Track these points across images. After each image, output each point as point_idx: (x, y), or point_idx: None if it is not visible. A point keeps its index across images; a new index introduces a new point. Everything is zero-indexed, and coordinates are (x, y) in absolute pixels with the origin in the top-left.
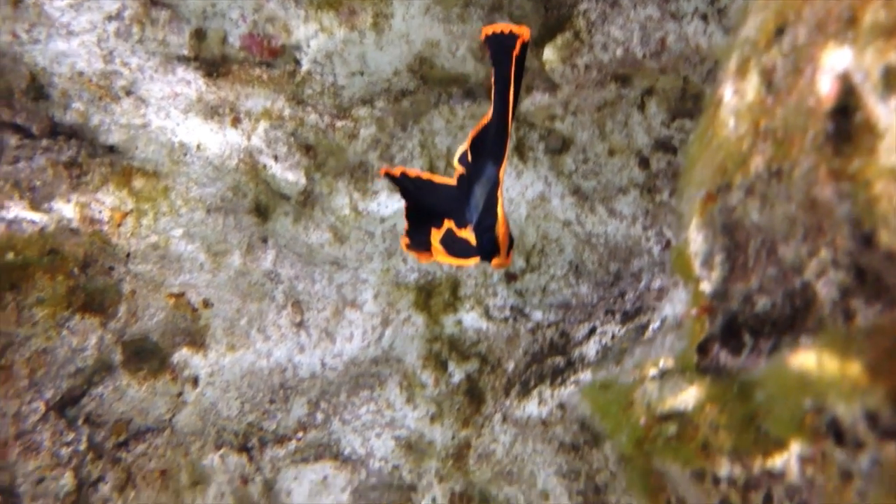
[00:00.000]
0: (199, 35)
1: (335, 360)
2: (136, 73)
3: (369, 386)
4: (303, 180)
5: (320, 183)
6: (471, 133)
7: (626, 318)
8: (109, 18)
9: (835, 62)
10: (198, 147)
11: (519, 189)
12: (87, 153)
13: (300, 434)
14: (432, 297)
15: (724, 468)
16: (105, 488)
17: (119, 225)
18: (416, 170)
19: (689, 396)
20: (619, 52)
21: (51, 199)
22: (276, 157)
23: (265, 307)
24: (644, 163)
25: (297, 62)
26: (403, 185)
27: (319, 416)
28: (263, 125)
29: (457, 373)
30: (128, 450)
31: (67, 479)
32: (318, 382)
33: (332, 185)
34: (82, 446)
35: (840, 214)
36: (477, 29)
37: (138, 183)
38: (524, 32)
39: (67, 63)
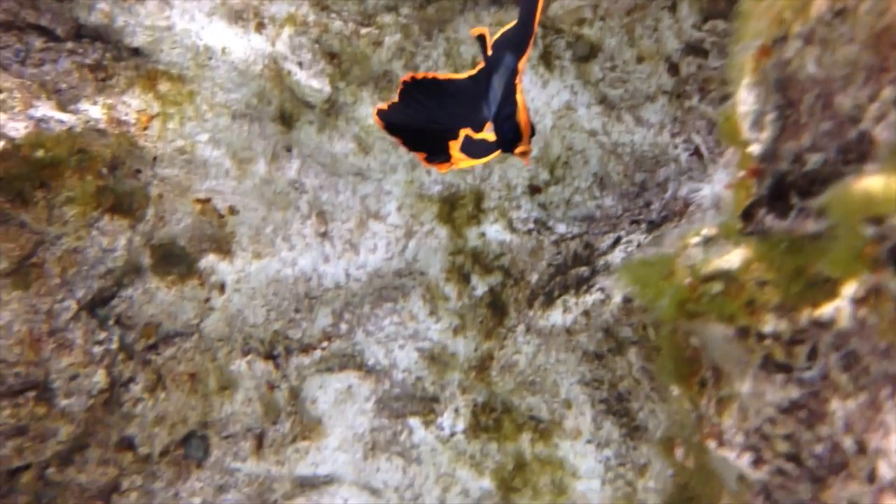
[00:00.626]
0: None
1: (359, 272)
2: None
3: (392, 298)
4: (327, 88)
5: (345, 92)
6: (500, 31)
7: (653, 226)
8: None
9: None
10: (223, 51)
11: (544, 99)
12: (112, 56)
13: (325, 343)
14: (456, 209)
15: (769, 324)
16: (136, 388)
17: (145, 128)
18: (421, 73)
19: (734, 257)
20: None
21: (77, 101)
22: (300, 64)
23: (290, 216)
24: (673, 68)
25: None
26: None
27: (344, 327)
28: (288, 31)
29: (480, 285)
30: (157, 352)
31: (100, 377)
32: (342, 293)
33: (357, 94)
34: (114, 346)
35: None
36: None
37: (163, 86)
38: None
39: None
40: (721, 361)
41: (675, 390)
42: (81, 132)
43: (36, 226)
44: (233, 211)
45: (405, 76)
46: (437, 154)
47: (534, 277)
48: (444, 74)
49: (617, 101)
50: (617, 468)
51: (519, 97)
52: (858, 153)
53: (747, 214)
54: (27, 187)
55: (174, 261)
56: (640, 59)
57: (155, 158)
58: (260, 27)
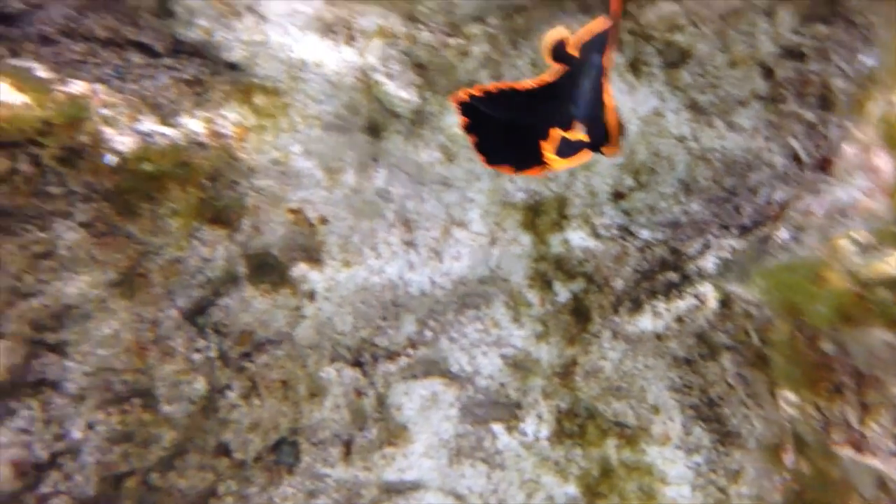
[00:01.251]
0: None
1: (443, 279)
2: None
3: (476, 305)
4: (415, 99)
5: (431, 101)
6: (582, 31)
7: (745, 231)
8: None
9: None
10: (315, 64)
11: (631, 105)
12: (209, 70)
13: (410, 350)
14: (539, 216)
15: None
16: (232, 395)
17: (242, 140)
18: (492, 83)
19: None
20: None
21: (177, 115)
22: (389, 75)
23: (377, 225)
24: (768, 73)
25: None
26: (478, 112)
27: (428, 334)
28: (377, 43)
29: (562, 291)
30: (251, 360)
31: (201, 384)
32: (427, 300)
33: (443, 103)
34: (213, 353)
35: None
36: None
37: (259, 99)
38: None
39: None
40: (869, 367)
41: (792, 396)
42: (184, 145)
43: (142, 237)
44: (323, 220)
45: (474, 89)
46: (527, 159)
47: (619, 283)
48: (517, 83)
49: (707, 107)
50: (708, 474)
51: (607, 98)
52: None
53: None
54: (134, 199)
55: (267, 270)
56: (732, 64)
57: (251, 170)
58: (350, 39)
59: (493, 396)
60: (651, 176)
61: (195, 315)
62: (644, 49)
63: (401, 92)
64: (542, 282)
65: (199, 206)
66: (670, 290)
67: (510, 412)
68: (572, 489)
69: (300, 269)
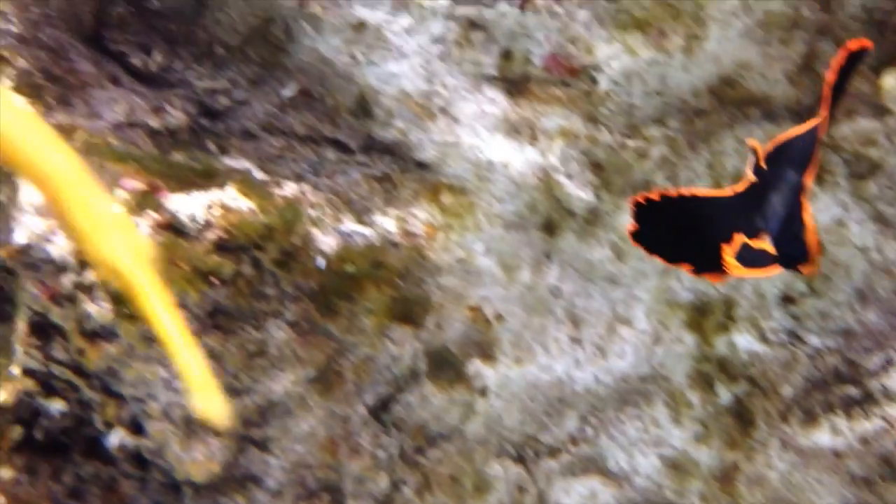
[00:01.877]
0: (506, 55)
1: (607, 376)
2: (451, 92)
3: (636, 403)
4: (591, 198)
5: (606, 201)
6: (772, 141)
7: None
8: (435, 41)
9: None
10: (503, 165)
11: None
12: (398, 168)
13: (571, 447)
14: (705, 316)
15: None
16: (407, 491)
17: (431, 239)
18: (673, 189)
19: None
20: None
21: (370, 213)
22: (569, 175)
23: (547, 321)
24: None
25: (595, 81)
26: (651, 214)
27: (589, 431)
28: (559, 143)
29: (725, 394)
30: (425, 455)
31: (384, 481)
32: (590, 397)
33: (617, 203)
34: (395, 450)
35: None
36: (798, 52)
37: (446, 199)
38: (863, 44)
39: (396, 83)
40: None
41: None
42: (379, 245)
43: (339, 335)
44: (499, 317)
45: (651, 193)
46: (706, 261)
47: (787, 391)
48: (699, 190)
49: (895, 220)
50: None
51: (807, 217)
52: None
53: None
54: (335, 299)
55: (445, 366)
56: None
57: (437, 268)
58: (533, 140)
59: (651, 497)
60: (825, 283)
61: (380, 411)
62: (830, 158)
63: (579, 191)
64: (705, 383)
65: (391, 305)
66: (852, 408)
67: None
68: None
69: (475, 366)
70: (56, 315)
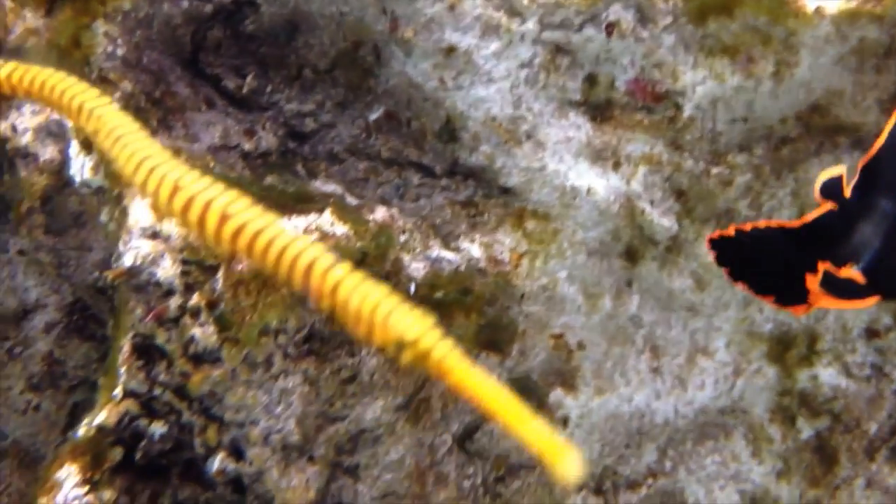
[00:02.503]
0: (591, 80)
1: (686, 408)
2: (537, 117)
3: (715, 436)
4: (675, 226)
5: (687, 229)
6: (860, 162)
7: None
8: (522, 66)
9: None
10: (588, 191)
11: None
12: (482, 193)
13: (650, 481)
14: (787, 349)
15: None
16: None
17: (517, 266)
18: (748, 223)
19: None
20: None
21: (456, 239)
22: (652, 202)
23: (627, 351)
24: None
25: (679, 107)
26: (732, 250)
27: (668, 464)
28: (642, 170)
29: (806, 429)
30: (505, 485)
31: None
32: (668, 429)
33: (699, 231)
34: (479, 480)
35: None
36: (892, 80)
37: (530, 225)
38: None
39: (484, 108)
40: None
41: None
42: (466, 272)
43: None
44: (581, 346)
45: (729, 230)
46: (789, 292)
47: (872, 427)
48: (776, 221)
49: None
50: None
51: None
52: None
53: None
54: None
55: (528, 395)
56: None
57: (522, 296)
58: (617, 166)
59: None
60: None
61: (464, 440)
62: None
63: (663, 220)
64: (786, 417)
65: (477, 333)
66: None
67: None
68: None
69: (557, 395)
70: (161, 337)
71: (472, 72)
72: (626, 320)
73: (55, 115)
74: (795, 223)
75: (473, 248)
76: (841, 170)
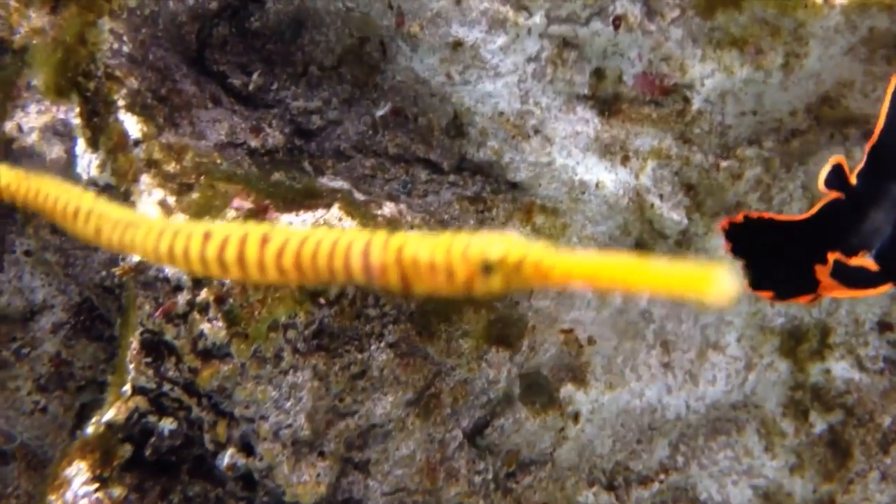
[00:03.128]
0: (599, 74)
1: (698, 403)
2: (545, 112)
3: (727, 431)
4: (685, 220)
5: (697, 223)
6: (862, 161)
7: None
8: (529, 60)
9: None
10: (597, 185)
11: None
12: (490, 189)
13: (662, 476)
14: (800, 343)
15: None
16: None
17: None
18: (759, 212)
19: None
20: None
21: None
22: (661, 196)
23: (637, 346)
24: None
25: (688, 101)
26: (744, 236)
27: (680, 459)
28: (651, 164)
29: (819, 423)
30: (516, 480)
31: None
32: (680, 424)
33: (709, 224)
34: (489, 475)
35: None
36: None
37: (539, 219)
38: None
39: (491, 103)
40: None
41: None
42: None
43: (437, 357)
44: (591, 341)
45: (738, 217)
46: (792, 287)
47: (886, 421)
48: (786, 216)
49: None
50: None
51: None
52: None
53: None
54: (433, 321)
55: (538, 390)
56: None
57: (532, 290)
58: (625, 160)
59: None
60: None
61: (475, 436)
62: None
63: (672, 213)
64: (798, 411)
65: (487, 328)
66: None
67: None
68: None
69: (567, 390)
70: (169, 333)
71: (479, 66)
72: (637, 315)
73: (61, 115)
74: (802, 216)
75: None
76: (840, 159)
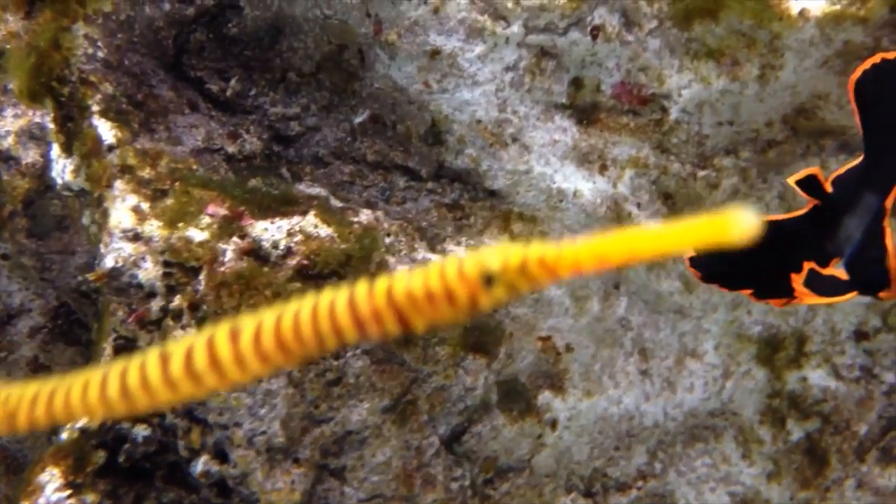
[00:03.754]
0: (577, 83)
1: (675, 411)
2: (522, 120)
3: (705, 438)
4: None
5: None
6: (842, 168)
7: None
8: (507, 69)
9: None
10: (574, 194)
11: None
12: (468, 196)
13: (640, 483)
14: (776, 351)
15: None
16: None
17: None
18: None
19: None
20: None
21: (442, 241)
22: (639, 205)
23: (615, 353)
24: None
25: (665, 111)
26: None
27: (658, 466)
28: (629, 173)
29: (796, 431)
30: (494, 487)
31: None
32: (658, 431)
33: None
34: (467, 482)
35: None
36: None
37: (517, 227)
38: None
39: (469, 111)
40: None
41: None
42: None
43: (414, 364)
44: (569, 348)
45: None
46: (771, 288)
47: (862, 429)
48: (770, 216)
49: None
50: None
51: (888, 241)
52: None
53: None
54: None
55: (515, 397)
56: None
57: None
58: (603, 169)
59: None
60: None
61: (452, 443)
62: None
63: (649, 222)
64: (776, 419)
65: (464, 335)
66: None
67: None
68: None
69: (545, 397)
70: (143, 340)
71: (456, 75)
72: (615, 323)
73: (37, 119)
74: (780, 217)
75: (459, 251)
76: (815, 170)
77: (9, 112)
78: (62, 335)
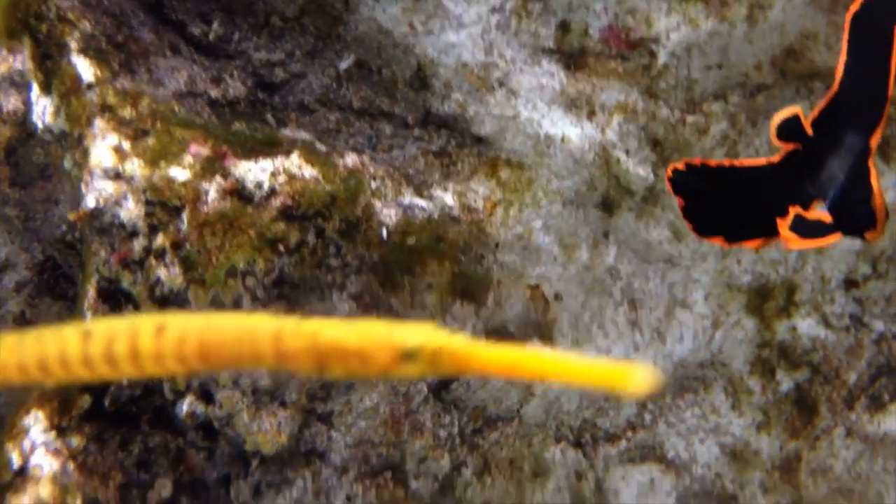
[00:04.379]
0: (564, 27)
1: (665, 361)
2: (509, 64)
3: (695, 389)
4: (651, 175)
5: (664, 179)
6: (819, 107)
7: None
8: (493, 10)
9: None
10: (562, 140)
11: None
12: (455, 143)
13: (630, 434)
14: (766, 300)
15: None
16: (467, 473)
17: (490, 215)
18: (713, 160)
19: None
20: None
21: (429, 187)
22: (627, 152)
23: (605, 303)
24: None
25: (653, 55)
26: (693, 184)
27: (647, 417)
28: (617, 118)
29: (786, 381)
30: (483, 436)
31: (445, 461)
32: None
33: None
34: (455, 430)
35: None
36: None
37: (504, 174)
38: None
39: (454, 54)
40: None
41: None
42: (439, 219)
43: (401, 310)
44: (557, 297)
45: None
46: (742, 231)
47: (851, 377)
48: (738, 160)
49: None
50: None
51: (873, 181)
52: None
53: None
54: (396, 273)
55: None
56: None
57: (497, 245)
58: (591, 115)
59: (709, 487)
60: (890, 265)
61: (441, 390)
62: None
63: (638, 169)
64: (765, 369)
65: (452, 282)
66: None
67: None
68: None
69: (534, 347)
70: (126, 281)
71: (441, 16)
72: (604, 272)
73: (18, 65)
74: (761, 161)
75: (447, 197)
76: (796, 109)
77: None
78: (48, 289)
